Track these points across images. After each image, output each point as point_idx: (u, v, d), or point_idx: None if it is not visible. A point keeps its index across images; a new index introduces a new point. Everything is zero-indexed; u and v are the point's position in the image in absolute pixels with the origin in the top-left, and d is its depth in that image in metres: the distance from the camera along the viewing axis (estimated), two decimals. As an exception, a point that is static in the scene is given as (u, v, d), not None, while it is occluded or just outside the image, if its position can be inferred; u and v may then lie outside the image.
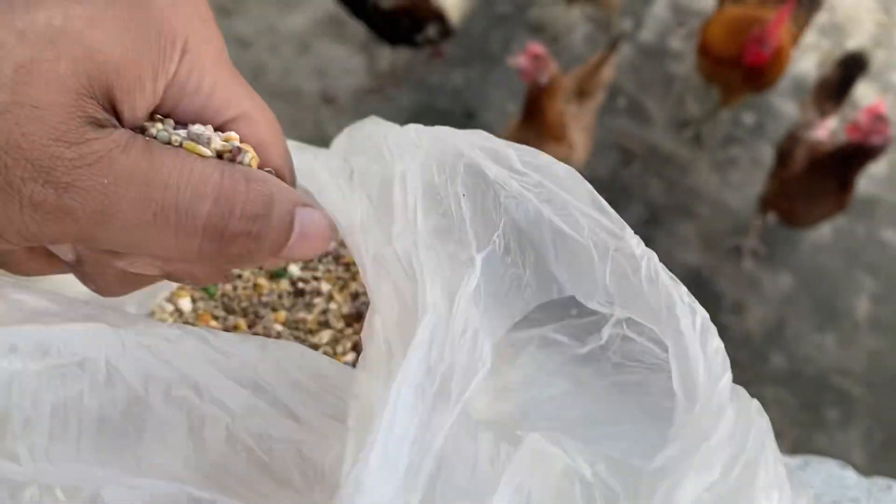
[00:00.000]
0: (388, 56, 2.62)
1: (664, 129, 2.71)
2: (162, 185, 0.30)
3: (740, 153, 2.71)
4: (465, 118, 2.61)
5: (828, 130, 2.22)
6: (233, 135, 0.34)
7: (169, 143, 0.32)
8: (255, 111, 0.36)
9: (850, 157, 1.88)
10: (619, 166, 2.60)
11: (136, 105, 0.31)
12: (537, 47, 1.86)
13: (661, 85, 2.80)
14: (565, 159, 1.63)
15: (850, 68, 2.16)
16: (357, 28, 2.71)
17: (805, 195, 2.02)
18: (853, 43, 3.08)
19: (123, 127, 0.31)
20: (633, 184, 2.57)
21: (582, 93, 2.18)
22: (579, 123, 2.16)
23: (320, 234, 0.33)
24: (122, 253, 0.32)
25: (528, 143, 1.49)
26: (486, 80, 2.70)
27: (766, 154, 2.71)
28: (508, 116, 2.61)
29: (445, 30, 2.34)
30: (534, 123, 1.92)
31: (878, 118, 1.80)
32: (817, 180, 1.99)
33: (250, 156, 0.34)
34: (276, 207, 0.32)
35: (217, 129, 0.34)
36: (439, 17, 2.29)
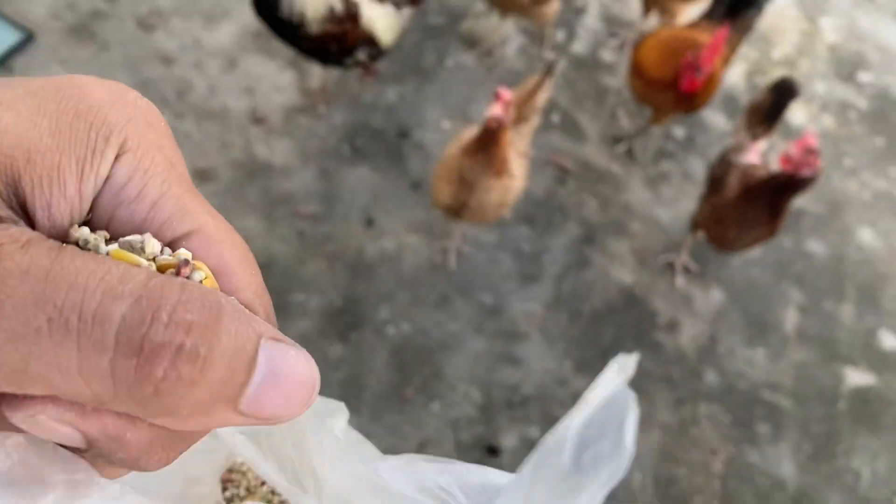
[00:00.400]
0: (318, 72, 2.55)
1: (597, 145, 2.73)
2: (65, 284, 0.22)
3: (672, 168, 2.75)
4: (399, 136, 2.56)
5: (759, 154, 2.27)
6: (183, 250, 0.26)
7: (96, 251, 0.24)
8: (217, 229, 0.27)
9: (782, 187, 1.92)
10: (555, 184, 2.60)
11: (54, 205, 0.24)
12: (506, 93, 1.81)
13: (594, 98, 2.81)
14: (506, 190, 1.61)
15: (782, 94, 2.20)
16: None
17: (737, 222, 2.06)
18: (779, 52, 3.15)
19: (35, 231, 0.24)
20: (569, 202, 2.57)
21: (518, 118, 2.16)
22: (517, 149, 2.15)
23: (301, 381, 0.24)
24: (12, 397, 0.23)
25: (472, 173, 1.47)
26: (419, 95, 2.66)
27: (698, 168, 2.76)
28: (444, 134, 2.58)
29: (376, 52, 2.29)
30: (481, 156, 1.89)
31: (809, 151, 1.84)
32: (749, 208, 2.03)
33: (203, 275, 0.25)
34: (226, 323, 0.23)
35: (166, 246, 0.26)
36: (370, 40, 2.23)
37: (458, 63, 2.76)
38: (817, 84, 3.12)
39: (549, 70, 2.17)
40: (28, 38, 2.40)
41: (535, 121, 2.24)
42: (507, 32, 2.85)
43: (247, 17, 2.63)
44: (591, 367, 2.35)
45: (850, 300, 2.62)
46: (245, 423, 0.24)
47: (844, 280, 2.67)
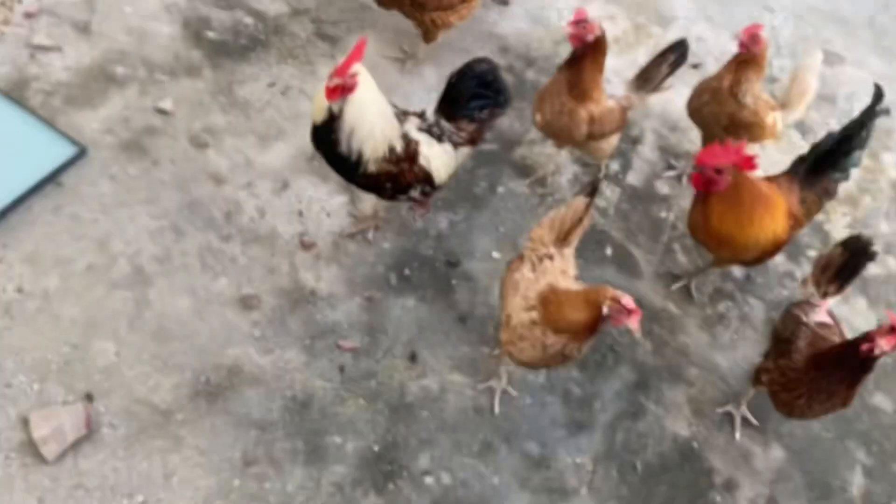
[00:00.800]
0: (370, 197, 2.50)
1: (652, 281, 2.62)
2: None
3: (730, 308, 2.62)
4: (448, 266, 2.48)
5: (829, 313, 2.14)
6: None
7: None
8: None
9: (861, 363, 1.79)
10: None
11: None
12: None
13: (649, 232, 2.72)
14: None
15: (856, 254, 2.09)
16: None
17: (808, 391, 1.92)
18: (840, 188, 3.04)
19: None
20: (622, 342, 2.45)
21: (564, 241, 2.07)
22: (570, 274, 2.05)
23: None
24: None
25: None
26: (470, 223, 2.59)
27: (757, 310, 2.62)
28: (494, 264, 2.50)
29: (430, 189, 2.23)
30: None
31: (892, 329, 1.72)
32: (823, 378, 1.90)
33: None
34: None
35: None
36: (426, 178, 2.18)
37: (510, 191, 2.70)
38: (881, 223, 3.00)
39: (593, 190, 2.07)
40: (81, 153, 2.38)
41: (575, 242, 2.13)
42: (560, 161, 2.80)
43: (301, 138, 2.60)
44: (643, 530, 2.19)
45: (922, 463, 2.44)
46: None
47: (915, 440, 2.50)
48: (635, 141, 2.94)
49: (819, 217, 2.93)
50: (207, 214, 2.38)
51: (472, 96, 2.22)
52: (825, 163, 2.29)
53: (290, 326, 2.25)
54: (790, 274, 2.75)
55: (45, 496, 1.88)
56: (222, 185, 2.46)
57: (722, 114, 2.50)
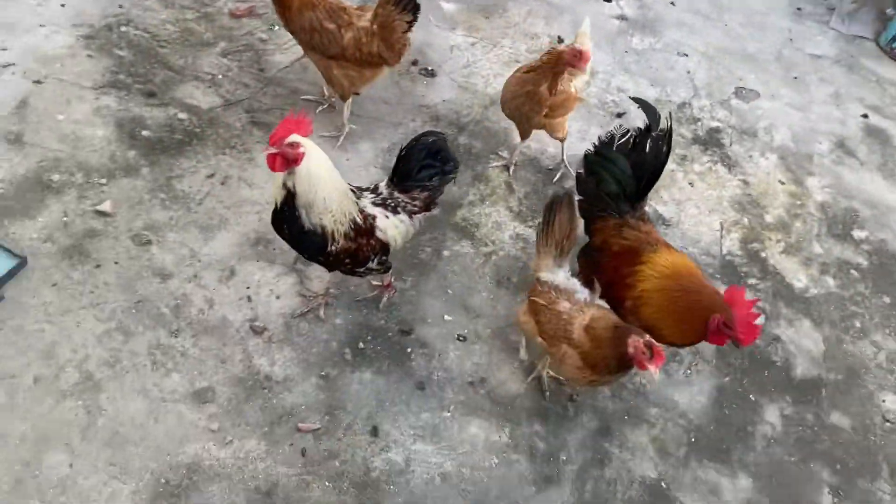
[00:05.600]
0: (318, 274, 2.52)
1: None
2: None
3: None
4: (401, 334, 2.50)
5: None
6: None
7: None
8: None
9: None
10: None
11: None
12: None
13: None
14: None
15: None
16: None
17: None
18: (770, 216, 3.16)
19: None
20: (580, 390, 2.48)
21: (562, 253, 2.27)
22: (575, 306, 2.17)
23: None
24: None
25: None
26: (419, 290, 2.62)
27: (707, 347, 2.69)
28: (447, 327, 2.52)
29: (386, 257, 2.29)
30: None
31: None
32: None
33: None
34: None
35: None
36: (383, 248, 2.24)
37: (455, 253, 2.75)
38: (814, 245, 3.11)
39: (566, 202, 2.25)
40: (21, 264, 2.37)
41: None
42: (500, 219, 2.86)
43: (244, 225, 2.62)
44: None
45: (885, 476, 2.49)
46: None
47: (875, 453, 2.54)
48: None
49: (755, 245, 3.05)
50: (155, 311, 2.37)
51: (421, 167, 2.29)
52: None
53: (247, 415, 2.23)
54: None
55: None
56: (168, 280, 2.45)
57: (537, 108, 2.73)
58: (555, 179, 3.04)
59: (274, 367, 2.34)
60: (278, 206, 2.08)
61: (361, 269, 2.27)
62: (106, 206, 2.58)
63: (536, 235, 2.33)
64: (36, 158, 2.67)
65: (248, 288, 2.50)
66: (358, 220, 2.17)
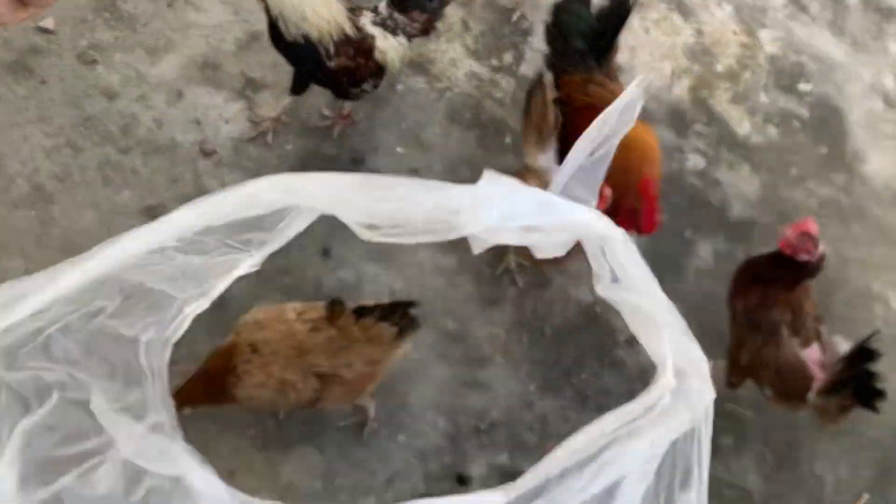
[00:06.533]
0: (268, 100, 2.52)
1: (552, 164, 2.74)
2: None
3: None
4: (353, 163, 2.54)
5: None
6: None
7: None
8: None
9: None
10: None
11: None
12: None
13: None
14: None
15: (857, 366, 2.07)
16: (233, 72, 2.59)
17: None
18: (721, 66, 3.21)
19: None
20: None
21: (541, 141, 2.27)
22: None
23: None
24: None
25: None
26: (373, 122, 2.64)
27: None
28: (399, 159, 2.56)
29: (380, 81, 2.30)
30: None
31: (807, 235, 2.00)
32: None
33: None
34: None
35: None
36: (379, 71, 2.23)
37: (409, 87, 2.75)
38: (761, 95, 3.19)
39: (538, 86, 2.25)
40: (-38, 77, 2.31)
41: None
42: (456, 56, 2.85)
43: (191, 48, 2.57)
44: (556, 387, 2.35)
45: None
46: None
47: (796, 287, 2.72)
48: (526, 33, 3.01)
49: (703, 92, 3.11)
50: (103, 129, 2.35)
51: None
52: None
53: (199, 232, 2.28)
54: (679, 148, 2.91)
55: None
56: (115, 100, 2.42)
57: None
58: (513, 19, 3.02)
59: (224, 187, 2.36)
60: (268, 23, 2.09)
61: (356, 90, 2.27)
62: (48, 23, 2.50)
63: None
64: (-30, -30, 2.55)
65: (196, 111, 2.48)
66: (349, 31, 2.14)
